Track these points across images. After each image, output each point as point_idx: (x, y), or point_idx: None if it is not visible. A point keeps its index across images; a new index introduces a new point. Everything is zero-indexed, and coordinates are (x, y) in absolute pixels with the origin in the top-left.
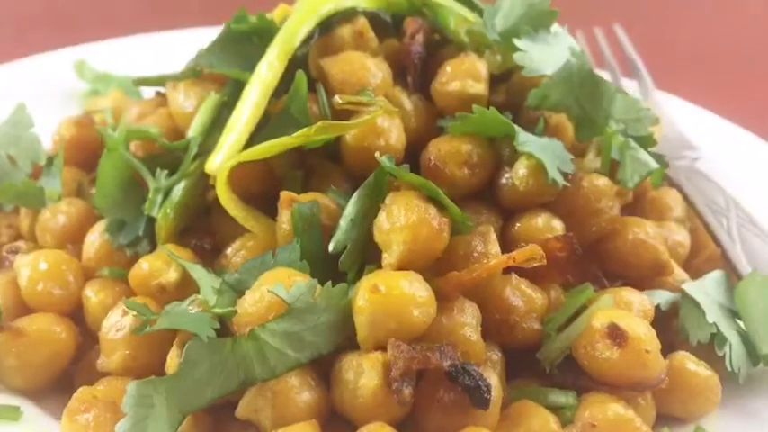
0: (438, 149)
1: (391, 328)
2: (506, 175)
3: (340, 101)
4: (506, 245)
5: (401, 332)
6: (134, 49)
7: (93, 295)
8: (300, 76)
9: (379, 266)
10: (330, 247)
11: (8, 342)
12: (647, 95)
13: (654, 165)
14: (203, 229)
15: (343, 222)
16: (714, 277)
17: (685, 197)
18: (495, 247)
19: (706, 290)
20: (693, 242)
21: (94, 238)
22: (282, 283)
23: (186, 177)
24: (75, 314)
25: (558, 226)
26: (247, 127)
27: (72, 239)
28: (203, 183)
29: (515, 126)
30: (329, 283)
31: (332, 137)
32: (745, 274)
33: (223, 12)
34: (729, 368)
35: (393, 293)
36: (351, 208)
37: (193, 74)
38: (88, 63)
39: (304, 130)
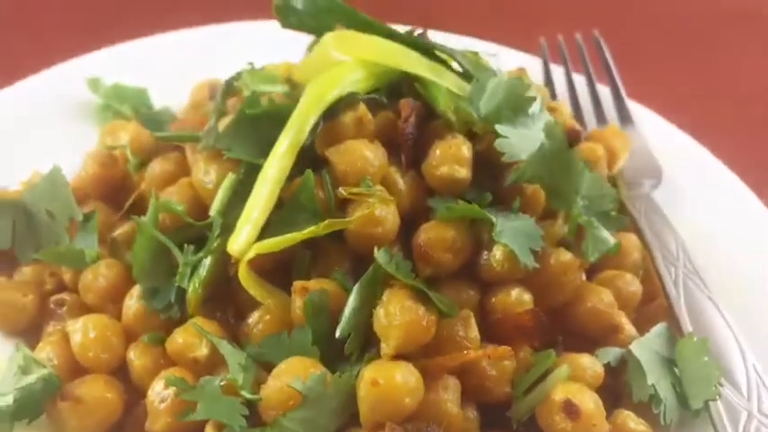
0: (427, 237)
1: (388, 411)
2: (485, 257)
3: (344, 193)
4: (484, 314)
5: (396, 414)
6: (135, 54)
7: (135, 359)
8: (308, 174)
9: (378, 350)
10: (337, 334)
11: (70, 409)
12: (619, 105)
13: (611, 241)
14: (226, 298)
15: (347, 311)
16: (658, 331)
17: (642, 241)
18: (473, 332)
19: (650, 345)
20: (648, 288)
21: (132, 303)
22: (299, 375)
23: (211, 254)
24: (122, 370)
25: (528, 299)
26: (264, 214)
27: (112, 299)
28: (226, 258)
29: (492, 217)
30: (338, 373)
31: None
32: (686, 331)
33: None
34: (663, 423)
35: (390, 385)
36: (353, 298)
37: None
38: (101, 79)
39: (313, 228)
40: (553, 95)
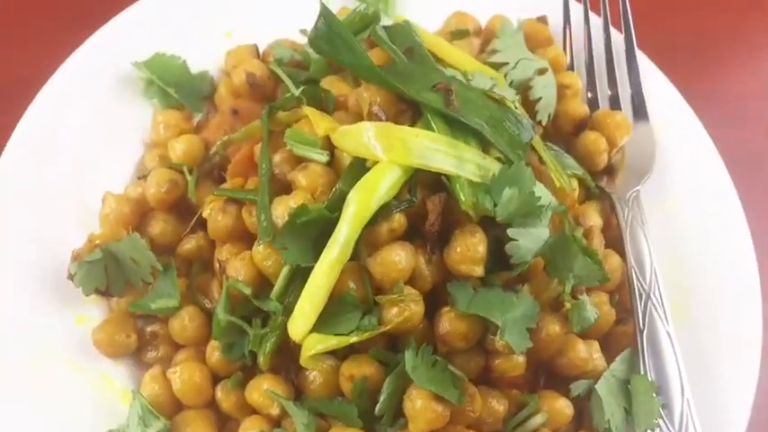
0: (446, 330)
1: None
2: (491, 336)
3: (381, 301)
4: (487, 372)
5: None
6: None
7: (222, 400)
8: (349, 287)
9: (407, 421)
10: (376, 412)
11: None
12: (630, 55)
13: (593, 320)
14: (289, 355)
15: (383, 396)
16: (623, 357)
17: (625, 260)
18: (478, 404)
19: (614, 374)
20: (624, 302)
21: (214, 353)
22: None
23: (274, 331)
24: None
25: (522, 363)
26: (317, 310)
27: (197, 342)
28: (287, 333)
29: (499, 322)
30: None
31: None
32: (644, 363)
33: None
34: None
35: None
36: (387, 385)
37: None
38: (142, 62)
39: (359, 336)
40: (570, 61)
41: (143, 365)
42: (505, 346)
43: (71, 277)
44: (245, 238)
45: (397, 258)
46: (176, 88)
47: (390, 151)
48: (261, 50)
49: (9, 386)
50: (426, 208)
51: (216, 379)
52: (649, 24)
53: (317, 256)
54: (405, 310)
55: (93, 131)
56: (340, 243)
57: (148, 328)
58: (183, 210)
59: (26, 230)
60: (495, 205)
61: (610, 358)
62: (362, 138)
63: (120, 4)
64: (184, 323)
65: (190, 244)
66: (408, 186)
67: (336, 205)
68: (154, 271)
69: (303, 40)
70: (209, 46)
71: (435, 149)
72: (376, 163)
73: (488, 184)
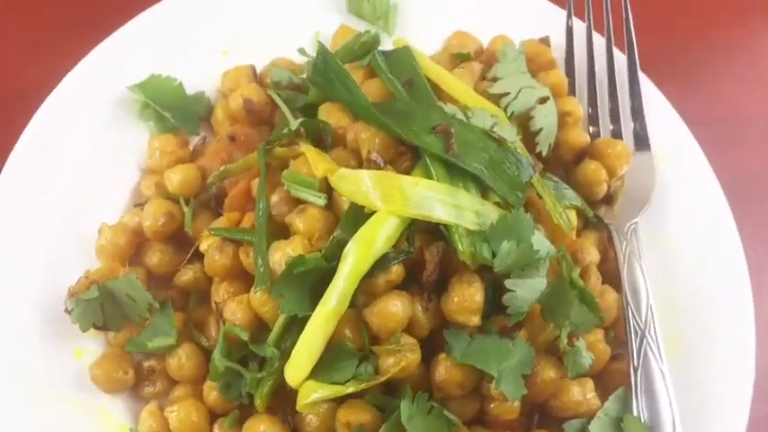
0: (442, 378)
1: None
2: (486, 382)
3: (378, 351)
4: (482, 414)
5: None
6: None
7: None
8: (345, 339)
9: None
10: None
11: None
12: (633, 79)
13: (589, 362)
14: (286, 398)
15: None
16: (617, 396)
17: (623, 298)
18: None
19: (607, 413)
20: (619, 336)
21: (212, 392)
22: None
23: (271, 375)
24: None
25: (517, 407)
26: (314, 359)
27: (194, 380)
28: (282, 376)
29: (494, 373)
30: None
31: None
32: (637, 403)
33: None
34: None
35: None
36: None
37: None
38: (137, 85)
39: (356, 386)
40: (572, 80)
41: (141, 400)
42: (500, 394)
43: (68, 312)
44: (242, 278)
45: (394, 309)
46: (172, 111)
47: (389, 202)
48: (258, 71)
49: (8, 423)
50: (424, 257)
51: (213, 415)
52: (648, 41)
53: (314, 304)
54: (401, 360)
55: (89, 157)
56: (337, 297)
57: (146, 363)
58: (180, 239)
59: (22, 261)
60: (493, 254)
61: (604, 395)
62: (361, 186)
63: (114, 15)
64: (181, 362)
65: (187, 275)
66: (406, 235)
67: (334, 254)
68: (151, 307)
69: (301, 60)
70: (205, 65)
71: (434, 198)
72: (374, 211)
73: (487, 232)
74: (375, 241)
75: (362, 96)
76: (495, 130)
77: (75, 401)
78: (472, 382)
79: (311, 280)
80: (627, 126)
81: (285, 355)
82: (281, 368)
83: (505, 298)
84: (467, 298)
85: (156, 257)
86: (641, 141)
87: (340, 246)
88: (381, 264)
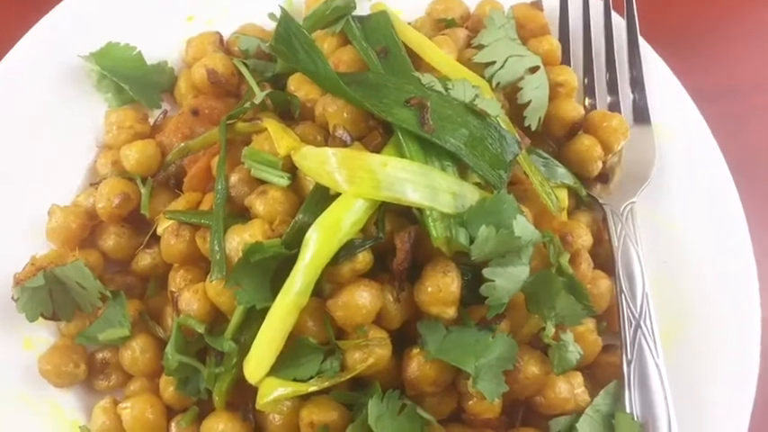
0: (414, 376)
1: None
2: (465, 381)
3: (343, 346)
4: (460, 409)
5: None
6: None
7: None
8: (305, 338)
9: None
10: None
11: None
12: (633, 45)
13: (577, 357)
14: (247, 392)
15: None
16: (607, 391)
17: (616, 285)
18: None
19: (597, 408)
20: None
21: (168, 387)
22: None
23: (230, 370)
24: None
25: (497, 405)
26: (275, 354)
27: (149, 374)
28: (242, 371)
29: (471, 371)
30: None
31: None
32: (629, 396)
33: None
34: None
35: None
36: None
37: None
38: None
39: (319, 384)
40: (566, 47)
41: (95, 393)
42: (478, 393)
43: (15, 300)
44: (201, 265)
45: (361, 301)
46: (131, 83)
47: (355, 183)
48: (225, 38)
49: None
50: (394, 243)
51: (171, 411)
52: (652, 12)
53: (274, 295)
54: (370, 355)
55: (40, 133)
56: (298, 287)
57: (99, 355)
58: (138, 221)
59: None
60: (471, 240)
61: (594, 389)
62: (325, 165)
63: None
64: (135, 355)
65: (145, 261)
66: (375, 219)
67: (296, 240)
68: (102, 296)
69: (272, 26)
70: (167, 32)
71: (406, 179)
72: (339, 193)
73: (464, 215)
74: (339, 227)
75: (327, 66)
76: (476, 102)
77: (24, 395)
78: (448, 378)
79: (270, 268)
80: (626, 98)
81: (244, 350)
82: (240, 363)
83: (483, 288)
84: (441, 288)
85: (111, 241)
86: (641, 114)
87: (302, 231)
88: (347, 250)
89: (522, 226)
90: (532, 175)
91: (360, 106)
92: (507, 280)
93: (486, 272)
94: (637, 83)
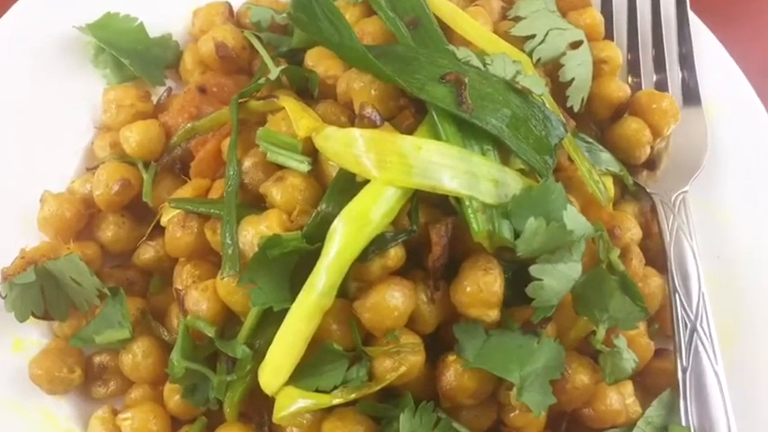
0: (450, 386)
1: None
2: (507, 393)
3: (371, 353)
4: (499, 421)
5: None
6: None
7: None
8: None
9: None
10: None
11: None
12: (681, 16)
13: (632, 366)
14: (262, 402)
15: None
16: (660, 402)
17: (669, 283)
18: None
19: (650, 420)
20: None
21: (173, 395)
22: None
23: (243, 378)
24: None
25: (542, 419)
26: (295, 360)
27: (152, 382)
28: (256, 379)
29: (515, 380)
30: None
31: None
32: (685, 407)
33: None
34: None
35: None
36: None
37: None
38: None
39: (344, 396)
40: (609, 21)
41: (92, 401)
42: (523, 405)
43: (3, 297)
44: (210, 259)
45: (392, 302)
46: (131, 57)
47: (385, 169)
48: (235, 9)
49: None
50: (429, 237)
51: (176, 423)
52: None
53: (293, 295)
54: (401, 363)
55: (32, 112)
56: (320, 288)
57: (97, 359)
58: (140, 210)
59: None
60: (515, 234)
61: (645, 399)
62: (352, 148)
63: None
64: (137, 359)
65: (148, 254)
66: (408, 210)
67: (318, 233)
68: (100, 293)
69: None
70: (173, 2)
71: (442, 165)
72: (367, 180)
73: (508, 206)
74: (368, 218)
75: (354, 37)
76: (518, 80)
77: (13, 402)
78: (488, 389)
79: (290, 264)
80: (674, 76)
81: (259, 355)
82: (254, 370)
83: (530, 288)
84: (482, 288)
85: (110, 232)
86: (691, 94)
87: (325, 222)
88: (377, 245)
89: (574, 218)
90: (579, 160)
91: (390, 82)
92: (557, 279)
93: (533, 269)
94: (686, 59)
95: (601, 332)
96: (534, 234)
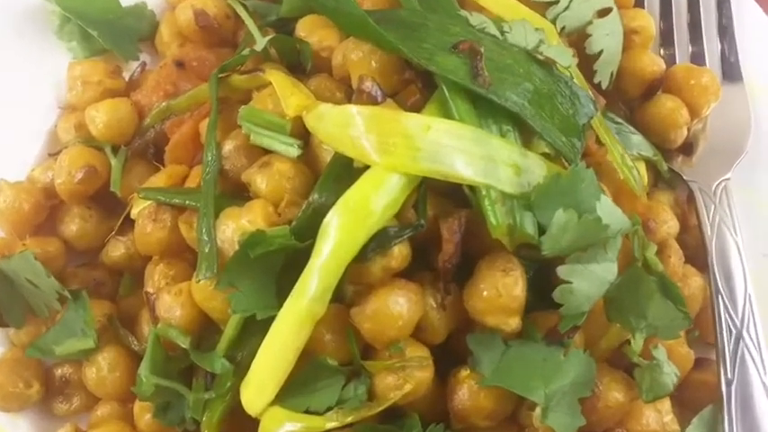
0: (464, 401)
1: None
2: (529, 414)
3: (371, 368)
4: None
5: None
6: None
7: None
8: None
9: None
10: None
11: None
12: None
13: (673, 381)
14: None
15: None
16: (703, 417)
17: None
18: None
19: None
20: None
21: (144, 414)
22: None
23: (223, 396)
24: None
25: None
26: (282, 377)
27: (120, 398)
28: (238, 398)
29: (539, 399)
30: None
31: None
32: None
33: None
34: None
35: None
36: None
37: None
38: None
39: (340, 419)
40: None
41: (53, 419)
42: (548, 429)
43: None
44: (185, 255)
45: (396, 309)
46: (101, 29)
47: (388, 153)
48: None
49: None
50: (439, 233)
51: None
52: None
53: (280, 300)
54: (406, 380)
55: None
56: (312, 293)
57: (58, 371)
58: (109, 200)
59: None
60: (540, 229)
61: (684, 415)
62: (349, 129)
63: None
64: (102, 373)
65: (117, 251)
66: (414, 201)
67: (309, 228)
68: (61, 297)
69: None
70: None
71: (454, 148)
72: (367, 166)
73: (531, 196)
74: (368, 210)
75: (352, 1)
76: (540, 49)
77: None
78: (506, 410)
79: (276, 265)
80: (711, 49)
81: (241, 370)
82: (235, 387)
83: (558, 293)
84: (501, 292)
85: (74, 226)
86: (731, 69)
87: (318, 215)
88: (378, 242)
89: (609, 210)
90: (611, 143)
91: (393, 52)
92: (589, 282)
93: (561, 271)
94: (725, 30)
95: (638, 342)
96: (563, 229)
